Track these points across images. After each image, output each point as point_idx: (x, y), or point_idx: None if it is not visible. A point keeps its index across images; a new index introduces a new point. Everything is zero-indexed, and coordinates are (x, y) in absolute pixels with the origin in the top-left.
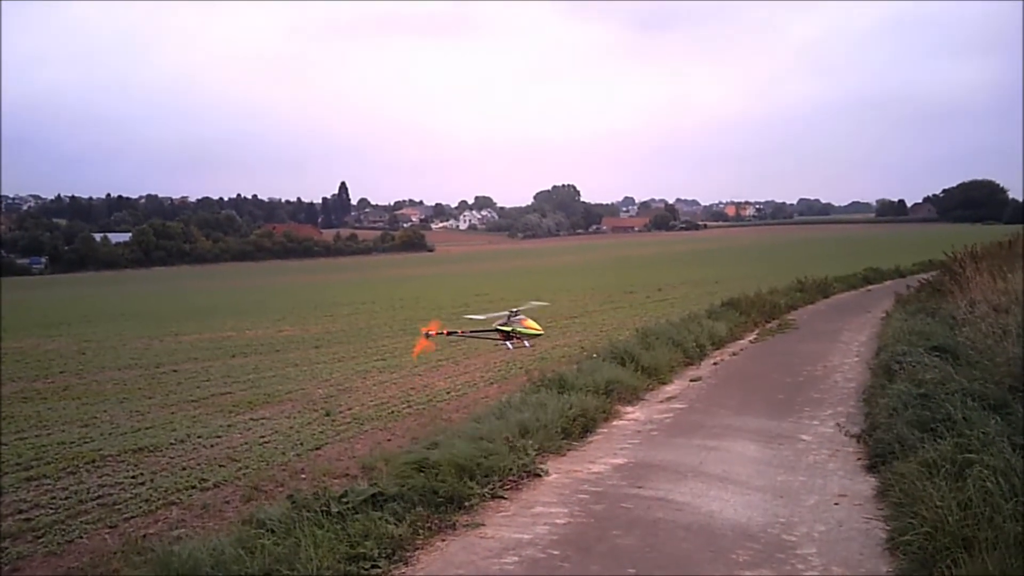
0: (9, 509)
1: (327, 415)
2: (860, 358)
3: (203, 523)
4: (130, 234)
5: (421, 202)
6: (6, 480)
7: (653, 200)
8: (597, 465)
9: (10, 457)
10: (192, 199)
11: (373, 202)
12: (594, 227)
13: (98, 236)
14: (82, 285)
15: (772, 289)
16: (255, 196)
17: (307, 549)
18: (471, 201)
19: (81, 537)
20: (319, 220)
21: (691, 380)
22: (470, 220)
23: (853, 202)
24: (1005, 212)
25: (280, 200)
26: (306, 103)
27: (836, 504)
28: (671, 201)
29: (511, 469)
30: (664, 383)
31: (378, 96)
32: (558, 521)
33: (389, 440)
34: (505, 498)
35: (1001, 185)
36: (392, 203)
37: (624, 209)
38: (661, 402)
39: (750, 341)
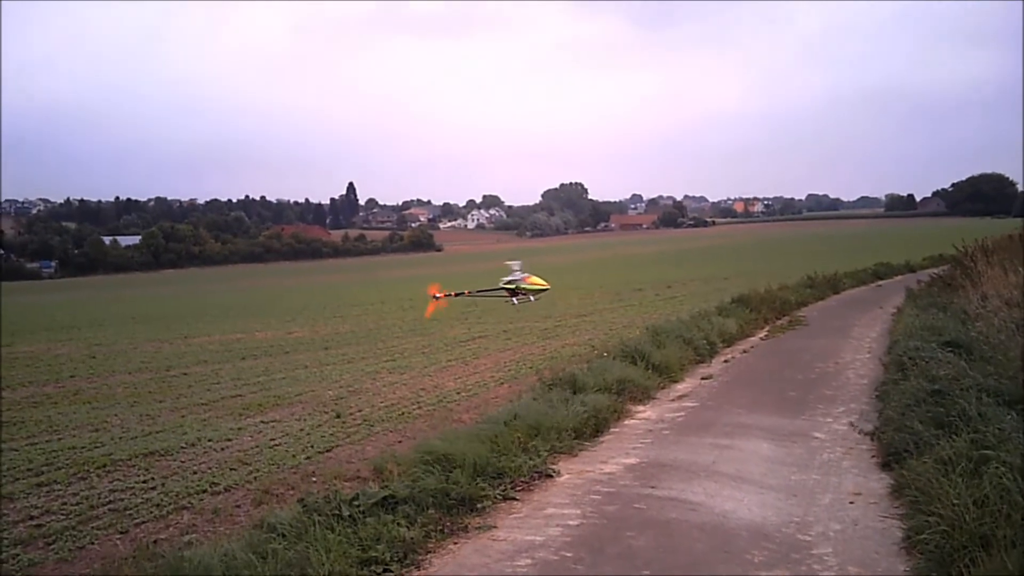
0: (20, 515)
1: (337, 417)
2: (872, 354)
3: (214, 528)
4: (139, 237)
5: (429, 202)
6: (17, 486)
7: (661, 197)
8: (609, 465)
9: (21, 463)
10: (201, 201)
11: (381, 202)
12: (602, 225)
13: (107, 239)
14: (92, 288)
15: (782, 285)
16: (263, 197)
17: (319, 553)
18: (479, 200)
19: (92, 543)
20: (327, 221)
21: (702, 378)
22: (478, 219)
23: (862, 197)
24: (1015, 205)
25: (288, 201)
26: (314, 104)
27: (851, 503)
28: (679, 198)
29: (523, 470)
30: (675, 381)
31: (385, 96)
32: (571, 522)
33: (400, 442)
34: (517, 499)
35: (1011, 178)
36: (400, 203)
37: (632, 206)
38: (672, 401)
39: (761, 338)
